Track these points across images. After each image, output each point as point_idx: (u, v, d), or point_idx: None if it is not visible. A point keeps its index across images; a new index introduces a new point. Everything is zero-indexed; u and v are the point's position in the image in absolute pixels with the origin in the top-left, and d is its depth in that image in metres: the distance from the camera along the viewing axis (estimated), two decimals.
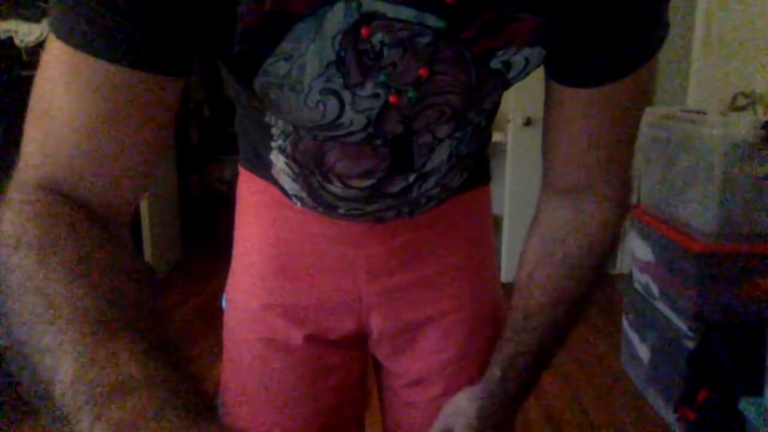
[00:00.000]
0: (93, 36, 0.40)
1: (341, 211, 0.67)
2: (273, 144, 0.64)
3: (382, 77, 0.49)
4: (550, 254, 0.63)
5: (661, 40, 0.52)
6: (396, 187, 0.64)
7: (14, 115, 3.13)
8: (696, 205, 1.90)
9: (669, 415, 1.98)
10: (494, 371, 0.67)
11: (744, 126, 1.76)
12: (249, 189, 0.76)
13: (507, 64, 0.51)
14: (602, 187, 0.60)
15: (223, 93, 5.15)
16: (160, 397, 0.32)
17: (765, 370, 1.48)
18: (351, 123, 0.53)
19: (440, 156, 0.63)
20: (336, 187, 0.63)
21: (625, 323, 2.39)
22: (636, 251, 2.31)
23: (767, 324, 1.55)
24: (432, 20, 0.45)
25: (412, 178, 0.63)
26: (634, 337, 2.29)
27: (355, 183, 0.62)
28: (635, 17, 0.49)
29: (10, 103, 3.10)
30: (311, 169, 0.62)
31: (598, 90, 0.53)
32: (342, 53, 0.47)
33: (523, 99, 3.14)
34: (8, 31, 3.06)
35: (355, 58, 0.47)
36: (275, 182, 0.69)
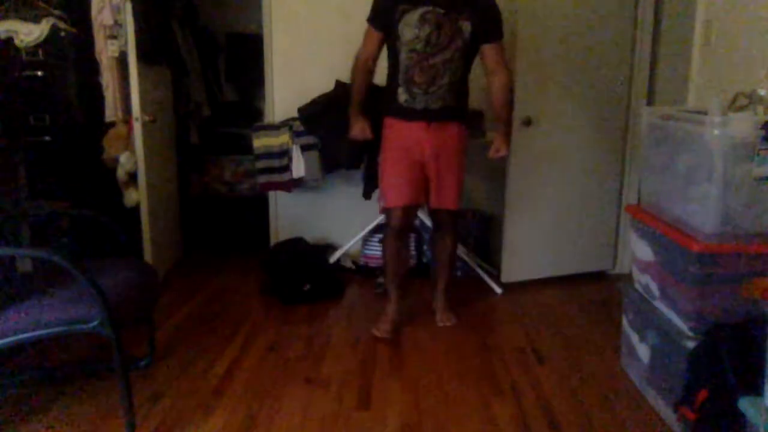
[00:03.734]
0: (376, 24, 2.60)
1: (418, 106, 2.58)
2: (399, 88, 2.58)
3: (435, 26, 2.52)
4: (495, 91, 2.69)
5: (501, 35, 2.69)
6: (435, 86, 2.55)
7: (14, 114, 3.13)
8: (696, 205, 1.90)
9: (669, 415, 1.98)
10: (501, 126, 2.74)
11: (744, 126, 1.76)
12: (389, 123, 2.67)
13: (463, 26, 2.56)
14: (502, 69, 2.66)
15: (223, 93, 5.16)
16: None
17: (765, 370, 1.49)
18: (424, 36, 2.52)
19: (446, 75, 2.55)
20: (416, 89, 2.56)
21: (625, 323, 2.39)
22: (636, 251, 2.32)
23: (767, 324, 1.55)
24: (438, 9, 2.52)
25: (439, 82, 2.55)
26: (634, 337, 2.30)
27: (422, 85, 2.55)
28: (497, 19, 2.64)
29: (9, 102, 3.10)
30: (409, 84, 2.56)
31: (492, 44, 2.63)
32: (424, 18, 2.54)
33: (523, 99, 3.14)
34: (8, 31, 3.06)
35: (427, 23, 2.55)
36: (398, 112, 2.63)
